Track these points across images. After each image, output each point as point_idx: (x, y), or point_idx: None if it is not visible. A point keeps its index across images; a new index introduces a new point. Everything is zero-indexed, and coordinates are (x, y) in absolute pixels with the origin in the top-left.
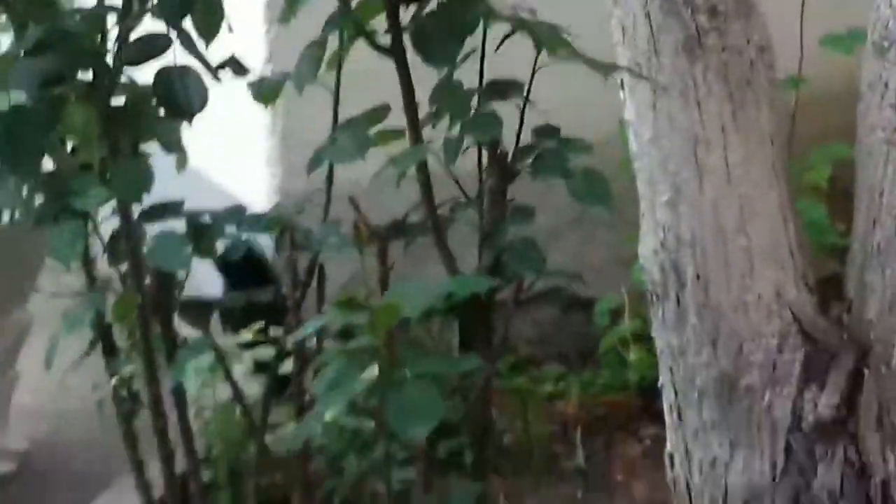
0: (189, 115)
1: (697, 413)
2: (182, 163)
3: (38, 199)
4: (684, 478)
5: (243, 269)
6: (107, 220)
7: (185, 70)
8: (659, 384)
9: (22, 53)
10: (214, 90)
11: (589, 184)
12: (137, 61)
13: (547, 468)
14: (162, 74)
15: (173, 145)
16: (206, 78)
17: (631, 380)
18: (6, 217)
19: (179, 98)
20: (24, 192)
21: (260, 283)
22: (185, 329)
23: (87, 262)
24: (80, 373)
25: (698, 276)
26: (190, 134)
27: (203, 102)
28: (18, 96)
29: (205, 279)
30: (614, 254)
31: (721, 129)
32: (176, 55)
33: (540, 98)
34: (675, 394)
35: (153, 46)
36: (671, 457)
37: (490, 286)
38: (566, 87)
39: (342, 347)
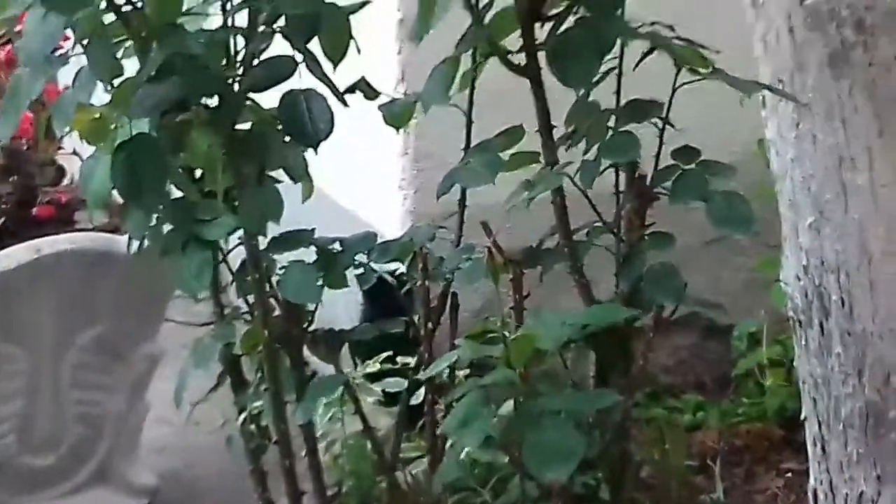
0: (315, 143)
1: (842, 446)
2: (308, 191)
3: (166, 228)
4: None
5: (385, 296)
6: (237, 248)
7: (310, 94)
8: (802, 416)
9: (144, 79)
10: (344, 112)
11: (731, 207)
12: (263, 86)
13: (685, 502)
14: (287, 99)
15: (299, 173)
16: (335, 102)
17: (771, 409)
18: (135, 246)
19: (304, 125)
20: (153, 221)
21: (399, 309)
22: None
23: (216, 293)
24: (211, 404)
25: (843, 302)
26: (319, 158)
27: (328, 129)
28: (140, 125)
29: (343, 305)
30: (750, 277)
31: (867, 148)
32: (302, 78)
33: (674, 116)
34: (819, 425)
35: (279, 70)
36: (815, 492)
37: (628, 316)
38: (701, 106)
39: (475, 381)
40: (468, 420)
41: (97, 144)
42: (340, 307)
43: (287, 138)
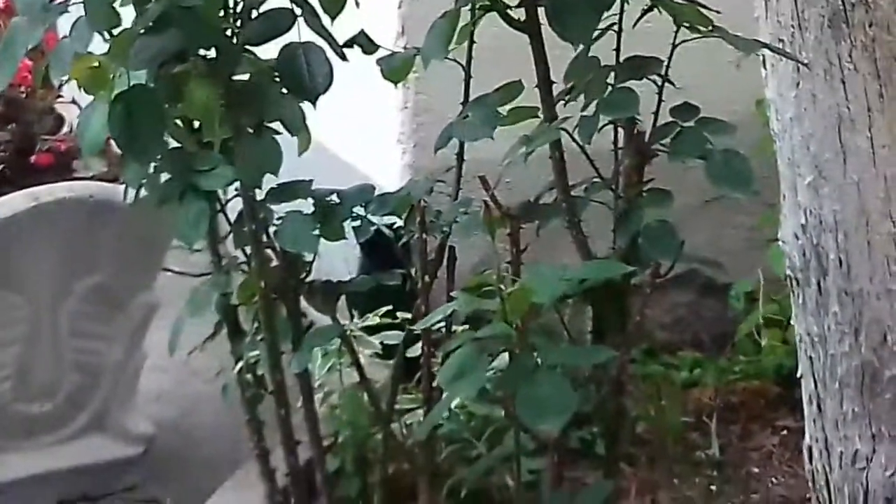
0: (313, 97)
1: (838, 404)
2: (305, 144)
3: (164, 178)
4: (823, 472)
5: (383, 249)
6: (235, 199)
7: (308, 48)
8: (798, 374)
9: (142, 31)
10: (344, 65)
11: (729, 166)
12: (261, 39)
13: (681, 458)
14: (286, 52)
15: (297, 126)
16: (335, 55)
17: (768, 367)
18: (132, 195)
19: (303, 78)
20: (150, 170)
21: (397, 263)
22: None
23: (214, 243)
24: (208, 354)
25: (841, 262)
26: (318, 111)
27: (327, 83)
28: (137, 74)
29: (341, 259)
30: (750, 236)
31: (866, 108)
32: (301, 31)
33: (675, 75)
34: (815, 384)
35: (277, 23)
36: (810, 449)
37: (625, 272)
38: (701, 64)
39: (470, 333)
40: (462, 372)
41: (95, 93)
42: (339, 260)
43: (285, 91)
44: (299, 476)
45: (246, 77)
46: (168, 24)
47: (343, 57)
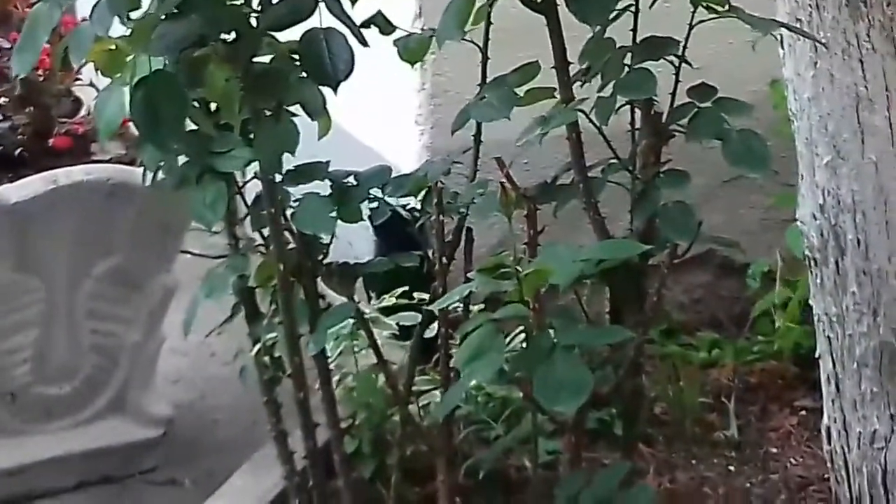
0: (334, 84)
1: (856, 384)
2: (325, 129)
3: (181, 160)
4: (842, 452)
5: (397, 231)
6: (253, 181)
7: (330, 34)
8: (816, 354)
9: (163, 17)
10: (363, 47)
11: (746, 146)
12: (282, 25)
13: (699, 439)
14: (307, 38)
15: (317, 111)
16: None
17: (786, 347)
18: (149, 178)
19: (325, 65)
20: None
21: (411, 245)
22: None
23: (231, 225)
24: (226, 337)
25: (859, 242)
26: (336, 94)
27: (348, 70)
28: (158, 60)
29: (359, 241)
30: (767, 216)
31: (884, 88)
32: (321, 15)
33: (691, 56)
34: (833, 364)
35: (298, 8)
36: (828, 430)
37: (642, 251)
38: (718, 44)
39: (487, 314)
40: (480, 353)
41: (112, 76)
42: (358, 241)
43: (305, 75)
44: (317, 458)
45: (266, 59)
46: (190, 9)
47: (364, 43)
